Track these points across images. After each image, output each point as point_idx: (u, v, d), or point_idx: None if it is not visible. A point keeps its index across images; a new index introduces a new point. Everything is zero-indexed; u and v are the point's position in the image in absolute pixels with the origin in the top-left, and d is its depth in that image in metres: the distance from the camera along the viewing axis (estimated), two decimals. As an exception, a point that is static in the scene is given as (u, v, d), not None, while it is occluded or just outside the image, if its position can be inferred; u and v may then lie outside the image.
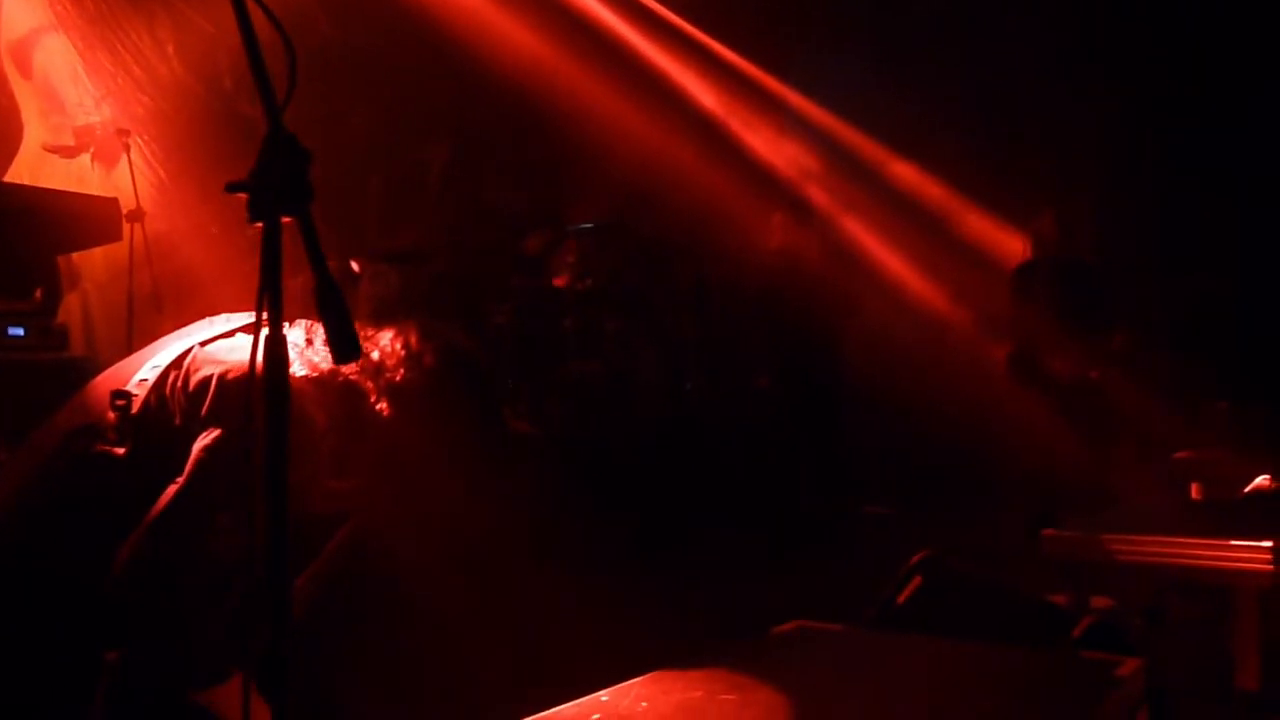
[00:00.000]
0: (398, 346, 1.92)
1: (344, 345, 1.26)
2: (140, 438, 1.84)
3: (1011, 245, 7.27)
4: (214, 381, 1.83)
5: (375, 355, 1.91)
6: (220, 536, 1.83)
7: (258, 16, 1.36)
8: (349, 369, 1.90)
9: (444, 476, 2.01)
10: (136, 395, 1.86)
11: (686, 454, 5.37)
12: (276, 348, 1.25)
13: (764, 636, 2.06)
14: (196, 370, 1.87)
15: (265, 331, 1.25)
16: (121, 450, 1.83)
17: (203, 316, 2.10)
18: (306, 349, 1.91)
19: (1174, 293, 6.19)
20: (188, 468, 1.77)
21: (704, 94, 7.32)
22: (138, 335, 4.43)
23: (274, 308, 1.24)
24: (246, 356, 1.88)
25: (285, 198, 1.26)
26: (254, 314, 2.04)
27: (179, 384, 1.86)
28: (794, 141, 7.61)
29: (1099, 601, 3.16)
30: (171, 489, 1.77)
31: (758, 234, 6.15)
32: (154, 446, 1.82)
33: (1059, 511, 3.59)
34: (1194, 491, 4.29)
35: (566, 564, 3.51)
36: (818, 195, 7.03)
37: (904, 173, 7.40)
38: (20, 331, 4.02)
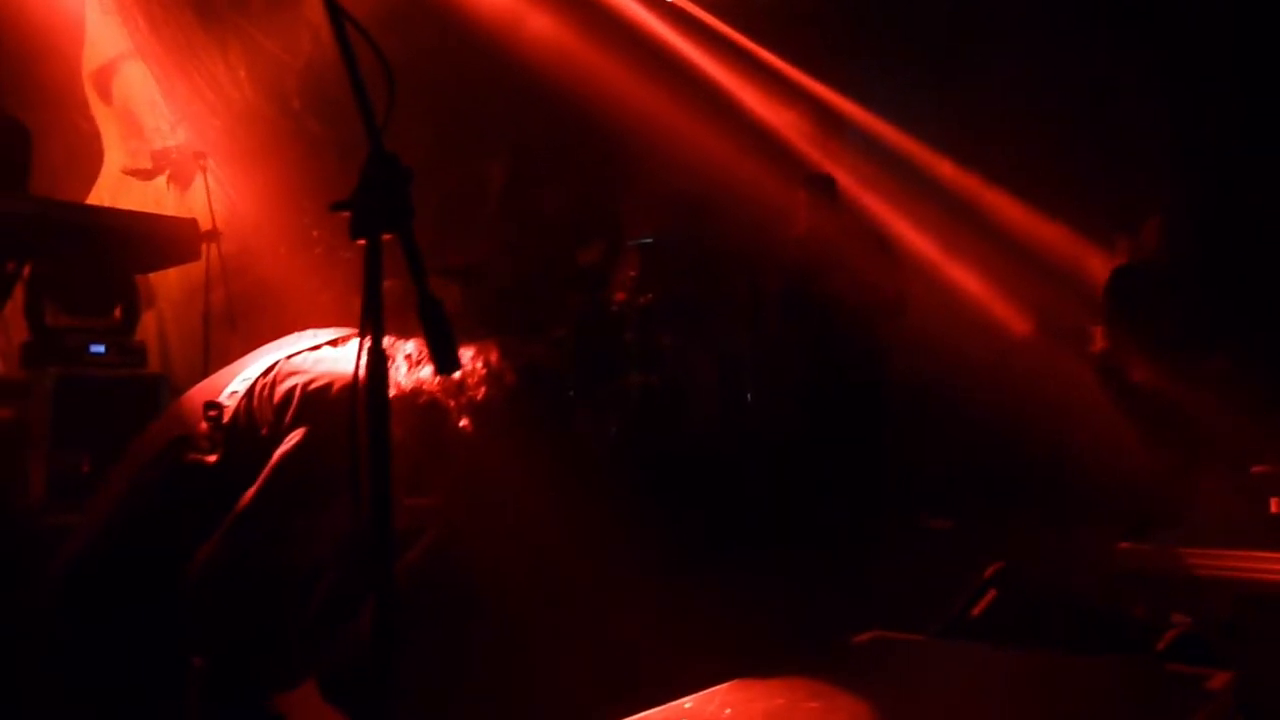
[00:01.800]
0: (478, 365, 1.95)
1: (446, 359, 1.30)
2: (230, 447, 1.89)
3: (1077, 253, 7.17)
4: (298, 391, 1.88)
5: (456, 374, 1.95)
6: (296, 542, 1.87)
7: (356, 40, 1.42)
8: (431, 386, 1.93)
9: (523, 491, 2.04)
10: (227, 406, 1.92)
11: (746, 465, 5.36)
12: (379, 362, 1.29)
13: (841, 645, 2.06)
14: (282, 381, 1.92)
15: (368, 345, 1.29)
16: (212, 458, 1.88)
17: (273, 332, 2.15)
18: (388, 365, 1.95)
19: (1246, 301, 6.04)
20: (265, 470, 1.82)
21: (761, 106, 7.34)
22: (213, 352, 4.55)
23: (375, 323, 1.29)
24: (330, 368, 1.93)
25: (386, 215, 1.30)
26: (338, 329, 2.09)
27: (266, 394, 1.92)
28: (851, 149, 7.60)
29: (1176, 617, 3.10)
30: (250, 491, 1.81)
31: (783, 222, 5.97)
32: (243, 455, 1.88)
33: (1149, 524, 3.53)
34: (1274, 505, 4.18)
35: (630, 575, 3.52)
36: (873, 202, 7.00)
37: (965, 182, 7.34)
38: (101, 349, 4.16)
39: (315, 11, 5.73)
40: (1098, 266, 7.21)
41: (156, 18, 5.19)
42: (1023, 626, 2.50)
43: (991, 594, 2.59)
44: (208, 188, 4.72)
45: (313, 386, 1.88)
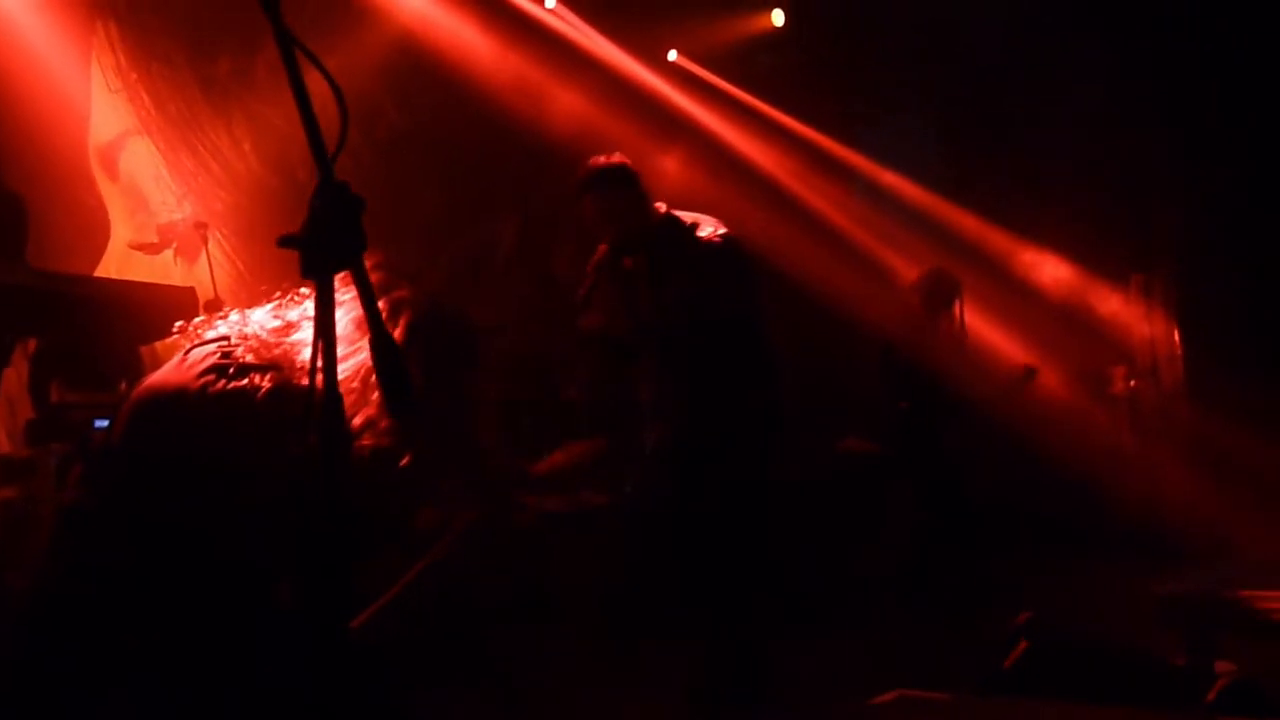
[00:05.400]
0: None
1: (400, 399, 1.19)
2: (95, 486, 1.65)
3: (1092, 295, 7.05)
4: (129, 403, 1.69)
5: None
6: None
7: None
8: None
9: None
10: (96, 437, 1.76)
11: (779, 514, 5.21)
12: (333, 403, 1.19)
13: (862, 706, 1.91)
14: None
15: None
16: (73, 495, 1.65)
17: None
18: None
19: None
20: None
21: (769, 161, 7.34)
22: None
23: (328, 361, 1.19)
24: (162, 375, 1.72)
25: (338, 251, 1.22)
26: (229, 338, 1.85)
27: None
28: (860, 201, 7.57)
29: (1221, 665, 2.91)
30: None
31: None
32: (109, 492, 1.62)
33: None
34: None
35: (650, 626, 3.38)
36: None
37: (973, 227, 7.27)
38: (106, 423, 4.07)
39: (318, 82, 5.77)
40: (1116, 307, 7.09)
41: (161, 93, 5.23)
42: (1060, 680, 2.33)
43: (1023, 645, 2.43)
44: (210, 258, 4.69)
45: (134, 395, 1.68)
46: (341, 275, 1.25)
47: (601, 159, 3.57)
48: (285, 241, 1.22)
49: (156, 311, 3.94)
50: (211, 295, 4.54)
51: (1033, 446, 5.43)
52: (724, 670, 3.31)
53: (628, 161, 3.59)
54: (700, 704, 3.29)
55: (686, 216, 3.59)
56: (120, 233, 5.17)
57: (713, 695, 3.29)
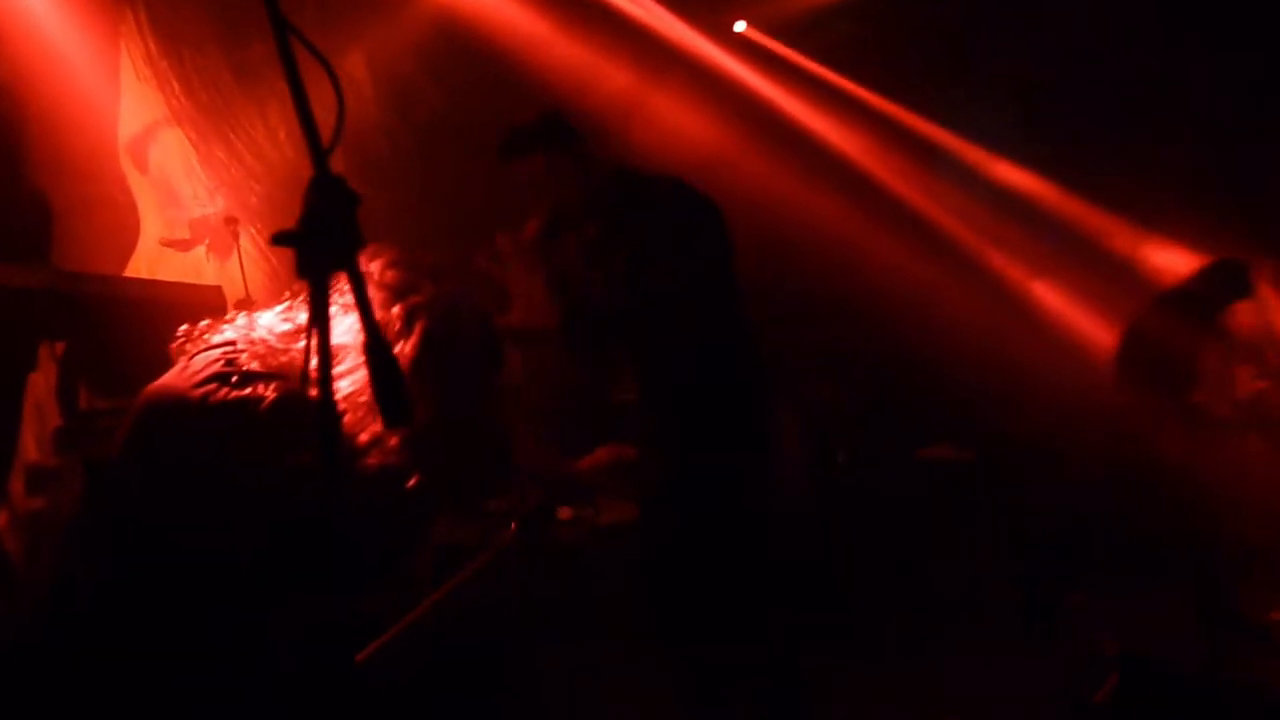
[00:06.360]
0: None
1: (395, 410, 1.21)
2: (95, 499, 1.70)
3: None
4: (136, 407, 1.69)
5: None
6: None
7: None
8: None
9: None
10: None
11: (840, 534, 5.17)
12: (329, 411, 1.21)
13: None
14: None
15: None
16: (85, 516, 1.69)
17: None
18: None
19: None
20: None
21: (842, 139, 7.25)
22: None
23: (323, 363, 1.21)
24: (163, 383, 1.74)
25: (334, 249, 1.23)
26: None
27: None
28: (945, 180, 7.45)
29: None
30: None
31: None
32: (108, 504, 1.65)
33: None
34: None
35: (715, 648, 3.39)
36: None
37: (1067, 207, 7.10)
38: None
39: (356, 67, 5.87)
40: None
41: (192, 81, 5.37)
42: (1155, 713, 2.27)
43: (1114, 678, 2.37)
44: (241, 254, 4.81)
45: (139, 402, 1.68)
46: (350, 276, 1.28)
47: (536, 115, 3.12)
48: (278, 239, 1.24)
49: (185, 312, 4.04)
50: (244, 293, 4.66)
51: (1143, 457, 5.29)
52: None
53: (564, 115, 3.15)
54: None
55: (643, 173, 3.18)
56: (151, 228, 5.32)
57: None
